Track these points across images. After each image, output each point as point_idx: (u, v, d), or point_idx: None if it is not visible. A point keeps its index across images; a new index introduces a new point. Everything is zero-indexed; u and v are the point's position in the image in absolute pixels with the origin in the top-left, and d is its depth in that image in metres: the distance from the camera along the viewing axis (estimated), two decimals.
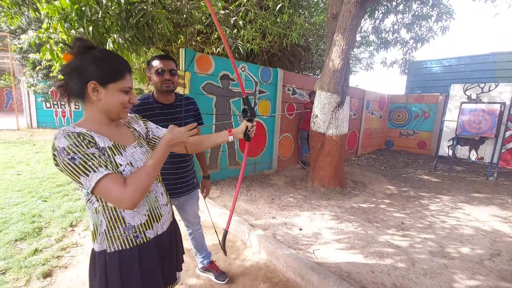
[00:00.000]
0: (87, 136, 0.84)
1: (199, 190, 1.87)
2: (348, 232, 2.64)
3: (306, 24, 5.24)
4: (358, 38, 7.20)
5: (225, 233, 1.33)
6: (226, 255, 1.40)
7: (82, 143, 0.81)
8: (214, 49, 4.90)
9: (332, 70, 3.70)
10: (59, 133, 0.81)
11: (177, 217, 1.64)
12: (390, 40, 6.21)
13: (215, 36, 4.64)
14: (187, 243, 1.90)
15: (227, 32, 3.62)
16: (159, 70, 1.52)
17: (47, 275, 1.92)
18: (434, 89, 7.86)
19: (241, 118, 1.30)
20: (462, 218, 3.11)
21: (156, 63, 1.53)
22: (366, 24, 6.60)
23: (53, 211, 2.89)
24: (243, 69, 4.06)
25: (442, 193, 4.09)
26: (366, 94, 6.93)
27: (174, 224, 1.19)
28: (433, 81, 8.03)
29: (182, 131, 0.96)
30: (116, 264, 0.92)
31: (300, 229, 2.65)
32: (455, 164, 6.07)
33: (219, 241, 1.32)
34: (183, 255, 1.29)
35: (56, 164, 0.81)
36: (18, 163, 4.81)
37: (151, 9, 2.63)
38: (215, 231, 1.85)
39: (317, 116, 3.95)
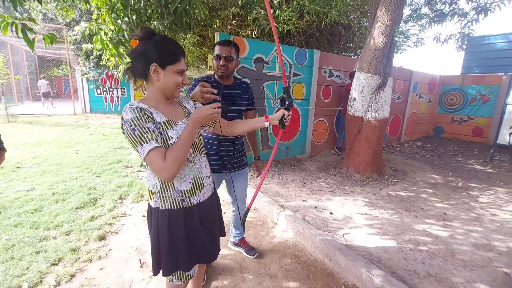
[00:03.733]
0: (147, 112, 0.98)
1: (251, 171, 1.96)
2: (382, 218, 2.55)
3: (348, 0, 4.89)
4: (407, 11, 6.52)
5: (247, 210, 1.41)
6: (244, 231, 1.50)
7: (143, 117, 0.95)
8: (249, 32, 4.87)
9: (373, 49, 3.46)
10: (127, 107, 0.97)
11: (222, 193, 1.76)
12: (446, 12, 5.51)
13: (251, 18, 4.59)
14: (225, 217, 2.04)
15: (262, 13, 3.57)
16: (218, 56, 1.63)
17: (101, 238, 2.23)
18: (497, 68, 6.84)
19: (275, 102, 1.35)
20: None
21: (216, 48, 1.65)
22: None
23: (105, 185, 3.28)
24: (277, 52, 4.00)
25: (497, 185, 3.67)
26: (414, 75, 6.33)
27: (215, 195, 1.33)
28: (496, 59, 6.98)
29: (206, 107, 1.05)
30: (165, 220, 1.09)
31: (331, 213, 2.64)
32: None
33: (240, 217, 1.41)
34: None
35: (123, 132, 0.97)
36: (75, 143, 5.48)
37: None
38: (242, 224, 1.94)
39: (354, 99, 3.76)
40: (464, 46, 6.22)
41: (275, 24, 3.83)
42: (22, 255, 1.94)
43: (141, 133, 0.94)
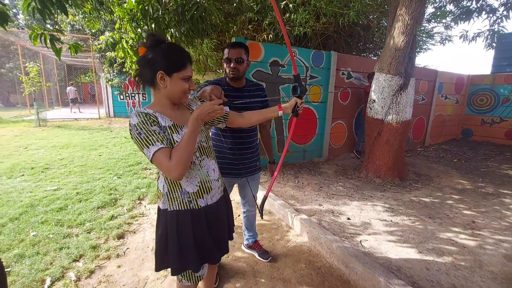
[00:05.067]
0: (152, 116, 1.01)
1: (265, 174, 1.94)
2: (403, 225, 2.43)
3: (366, 0, 4.77)
4: (430, 9, 6.24)
5: (265, 197, 1.42)
6: (262, 218, 1.51)
7: (148, 121, 0.99)
8: (265, 36, 4.89)
9: (393, 49, 3.34)
10: (133, 113, 1.02)
11: (236, 196, 1.77)
12: (473, 8, 5.21)
13: (266, 22, 4.62)
14: (237, 219, 2.04)
15: (276, 18, 3.58)
16: (228, 59, 1.63)
17: (120, 236, 2.31)
18: None
19: (291, 95, 1.34)
20: None
21: (225, 51, 1.65)
22: None
23: (125, 186, 3.41)
24: (293, 54, 3.98)
25: None
26: (439, 75, 6.03)
27: (225, 199, 1.32)
28: None
29: (208, 105, 1.05)
30: (174, 221, 1.12)
31: (348, 218, 2.55)
32: None
33: (257, 206, 1.42)
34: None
35: (131, 137, 1.00)
36: (99, 146, 5.77)
37: (203, 2, 2.77)
38: (260, 211, 1.93)
39: (374, 101, 3.65)
40: (494, 44, 5.83)
41: (290, 27, 3.83)
42: (47, 250, 2.05)
43: (146, 136, 0.96)
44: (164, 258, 1.15)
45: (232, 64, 1.62)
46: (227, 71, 1.65)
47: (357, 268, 1.82)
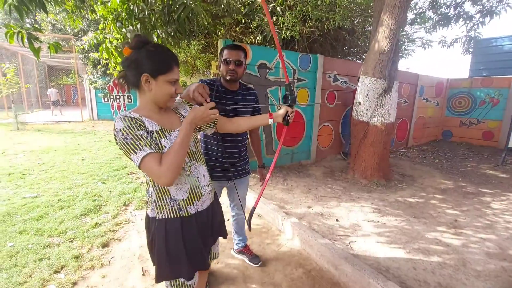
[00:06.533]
0: (138, 120, 0.97)
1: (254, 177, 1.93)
2: (390, 226, 2.48)
3: (351, 5, 4.88)
4: (411, 15, 6.47)
5: (253, 209, 1.40)
6: (250, 230, 1.49)
7: (134, 125, 0.94)
8: (253, 38, 4.89)
9: (378, 53, 3.43)
10: (118, 117, 0.97)
11: (226, 199, 1.73)
12: (451, 15, 5.45)
13: (254, 25, 4.62)
14: (227, 224, 2.01)
15: (265, 20, 3.59)
16: (227, 60, 1.60)
17: (105, 245, 2.22)
18: (506, 71, 6.70)
19: (280, 105, 1.33)
20: None
21: (225, 52, 1.62)
22: None
23: (110, 191, 3.29)
24: (280, 58, 4.00)
25: (510, 190, 3.55)
26: (420, 79, 6.25)
27: (215, 204, 1.29)
28: (505, 61, 6.85)
29: (202, 109, 1.02)
30: (162, 229, 1.07)
31: (337, 220, 2.58)
32: None
33: (245, 217, 1.39)
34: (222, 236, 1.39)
35: (116, 143, 0.95)
36: (82, 150, 5.54)
37: (190, 2, 2.74)
38: (248, 223, 1.91)
39: (360, 103, 3.72)
40: (471, 49, 6.13)
41: (278, 30, 3.85)
42: (26, 262, 1.93)
43: (133, 141, 0.92)
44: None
45: (231, 66, 1.59)
46: (225, 73, 1.62)
47: (347, 270, 1.84)
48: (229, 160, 1.72)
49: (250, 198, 3.04)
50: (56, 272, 1.86)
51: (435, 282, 1.74)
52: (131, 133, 0.92)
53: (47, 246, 2.14)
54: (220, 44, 3.46)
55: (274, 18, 4.22)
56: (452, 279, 1.77)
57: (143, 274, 1.89)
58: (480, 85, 6.79)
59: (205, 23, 3.24)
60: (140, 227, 2.53)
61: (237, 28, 5.05)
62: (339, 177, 3.96)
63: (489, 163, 4.99)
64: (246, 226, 2.14)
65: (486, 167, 4.73)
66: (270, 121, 1.29)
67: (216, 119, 1.22)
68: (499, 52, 7.01)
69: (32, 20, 11.37)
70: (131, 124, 0.94)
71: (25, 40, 1.90)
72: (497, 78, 6.55)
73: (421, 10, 6.12)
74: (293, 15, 4.16)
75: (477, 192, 3.47)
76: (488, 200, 3.18)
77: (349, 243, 2.17)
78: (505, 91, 6.37)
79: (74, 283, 1.77)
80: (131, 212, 2.83)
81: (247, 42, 5.06)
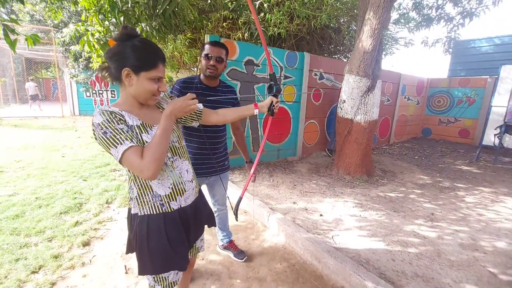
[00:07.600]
0: (118, 115, 0.94)
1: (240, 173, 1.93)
2: (371, 220, 2.56)
3: (337, 4, 4.95)
4: (395, 15, 6.64)
5: (239, 199, 1.41)
6: (237, 220, 1.50)
7: (114, 119, 0.92)
8: (240, 35, 4.87)
9: (362, 52, 3.50)
10: (96, 111, 0.94)
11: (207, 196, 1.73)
12: (433, 16, 5.64)
13: (241, 21, 4.60)
14: None
15: (251, 17, 3.58)
16: (208, 55, 1.59)
17: (86, 244, 2.17)
18: (482, 71, 7.04)
19: (266, 94, 1.33)
20: (502, 212, 2.85)
21: (206, 47, 1.61)
22: (406, 0, 6.03)
23: (92, 189, 3.20)
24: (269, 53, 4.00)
25: (483, 185, 3.75)
26: (402, 78, 6.45)
27: (200, 200, 1.28)
28: (481, 62, 7.20)
29: (181, 99, 1.01)
30: (144, 226, 1.06)
31: (321, 215, 2.64)
32: (502, 155, 5.48)
33: (232, 206, 1.40)
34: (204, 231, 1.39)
35: (95, 138, 0.92)
36: (63, 146, 5.34)
37: None
38: (234, 213, 1.92)
39: (344, 101, 3.80)
40: (451, 50, 6.37)
41: (266, 27, 3.85)
42: (1, 263, 1.86)
43: (113, 135, 0.89)
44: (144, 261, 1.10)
45: (211, 61, 1.59)
46: (205, 68, 1.62)
47: (329, 263, 1.89)
48: (209, 155, 1.72)
49: (235, 196, 3.05)
50: (33, 272, 1.80)
51: (412, 272, 1.82)
52: (110, 127, 0.90)
53: (24, 246, 2.07)
54: (207, 39, 3.42)
55: (262, 14, 4.22)
56: (428, 269, 1.86)
57: (126, 272, 1.87)
58: (458, 85, 7.08)
59: (192, 17, 3.19)
60: (123, 224, 2.49)
61: (224, 23, 5.00)
62: (324, 173, 4.04)
63: (465, 160, 5.24)
64: (230, 222, 2.17)
65: (461, 163, 4.96)
66: (256, 111, 1.29)
67: (200, 111, 1.21)
68: (477, 53, 7.34)
69: (9, 10, 10.76)
70: (110, 118, 0.91)
71: (1, 32, 1.81)
72: (474, 78, 6.85)
73: (405, 11, 6.30)
74: (281, 12, 4.17)
75: (452, 187, 3.64)
76: (462, 195, 3.34)
77: (332, 237, 2.23)
78: (481, 91, 6.68)
79: (53, 284, 1.72)
80: (114, 210, 2.77)
81: (234, 38, 5.02)
